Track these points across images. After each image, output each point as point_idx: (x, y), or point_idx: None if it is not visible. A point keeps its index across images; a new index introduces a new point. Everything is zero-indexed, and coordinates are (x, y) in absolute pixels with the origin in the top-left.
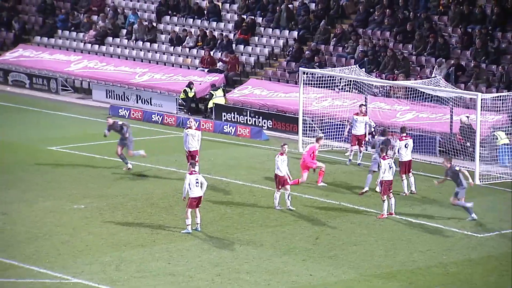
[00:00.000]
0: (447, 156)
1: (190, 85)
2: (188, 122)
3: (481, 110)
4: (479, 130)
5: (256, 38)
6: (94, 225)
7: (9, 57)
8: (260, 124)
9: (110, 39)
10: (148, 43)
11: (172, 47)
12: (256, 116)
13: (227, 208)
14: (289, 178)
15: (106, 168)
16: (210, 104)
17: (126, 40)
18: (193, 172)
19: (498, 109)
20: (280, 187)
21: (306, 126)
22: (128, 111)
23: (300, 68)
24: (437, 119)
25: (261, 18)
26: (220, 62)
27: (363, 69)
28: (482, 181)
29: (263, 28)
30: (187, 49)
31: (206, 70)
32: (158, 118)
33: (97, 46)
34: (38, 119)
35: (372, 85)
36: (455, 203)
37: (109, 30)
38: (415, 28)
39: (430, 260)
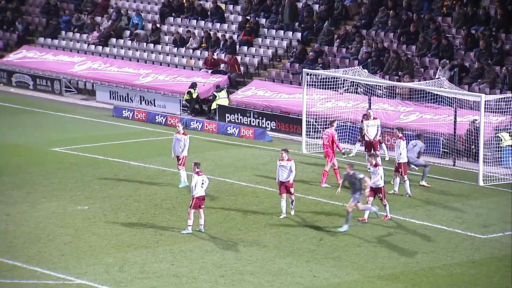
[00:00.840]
0: (350, 162)
1: (193, 86)
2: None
3: (484, 111)
4: (483, 131)
5: (260, 39)
6: (98, 226)
7: (12, 58)
8: (264, 126)
9: (113, 40)
10: (152, 45)
11: (176, 48)
12: (260, 117)
13: (231, 209)
14: (290, 186)
15: (110, 170)
16: (214, 106)
17: (130, 42)
18: (200, 173)
19: (502, 110)
20: (281, 193)
21: (310, 127)
22: (132, 112)
23: (303, 69)
24: (441, 120)
25: (264, 19)
26: (222, 64)
27: (367, 70)
28: (486, 183)
29: (266, 29)
30: (191, 51)
31: (209, 71)
32: (162, 119)
33: (101, 47)
34: (41, 120)
35: (376, 86)
36: (361, 207)
37: (112, 32)
38: (419, 29)
39: (434, 261)
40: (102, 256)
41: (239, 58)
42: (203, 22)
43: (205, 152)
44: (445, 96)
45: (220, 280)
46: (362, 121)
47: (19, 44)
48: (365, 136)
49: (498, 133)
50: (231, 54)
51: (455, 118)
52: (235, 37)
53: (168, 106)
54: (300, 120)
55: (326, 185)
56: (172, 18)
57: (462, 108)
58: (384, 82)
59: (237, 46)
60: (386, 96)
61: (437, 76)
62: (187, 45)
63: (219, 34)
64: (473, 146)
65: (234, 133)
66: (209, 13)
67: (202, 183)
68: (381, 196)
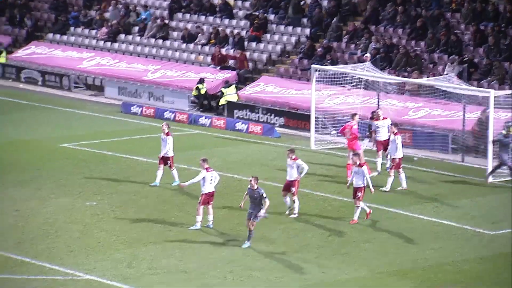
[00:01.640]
0: (255, 176)
1: (201, 81)
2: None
3: (494, 107)
4: (492, 127)
5: (268, 35)
6: (106, 222)
7: (21, 54)
8: (272, 122)
9: (122, 36)
10: (160, 40)
11: (184, 44)
12: (268, 113)
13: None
14: (293, 186)
15: (118, 166)
16: (222, 101)
17: (139, 37)
18: (209, 169)
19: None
20: (283, 190)
21: (319, 124)
22: (141, 108)
23: (312, 65)
24: (449, 117)
25: (273, 15)
26: (230, 59)
27: (375, 67)
28: (495, 179)
29: (275, 25)
30: (199, 46)
31: (218, 67)
32: (170, 115)
33: (110, 43)
34: (50, 116)
35: (385, 82)
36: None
37: (121, 28)
38: (428, 25)
39: (442, 258)
40: (110, 252)
41: (247, 54)
42: (212, 18)
43: (214, 148)
44: (454, 92)
45: (229, 276)
46: (370, 118)
47: (28, 40)
48: (376, 137)
49: (506, 127)
50: (240, 50)
51: (464, 114)
52: (243, 33)
53: (177, 102)
54: (309, 116)
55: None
56: (181, 14)
57: (471, 104)
58: (393, 79)
59: (246, 42)
60: (395, 92)
61: (446, 72)
62: (195, 41)
63: (228, 30)
64: (484, 138)
65: (242, 129)
66: (217, 9)
67: (211, 180)
68: (359, 195)
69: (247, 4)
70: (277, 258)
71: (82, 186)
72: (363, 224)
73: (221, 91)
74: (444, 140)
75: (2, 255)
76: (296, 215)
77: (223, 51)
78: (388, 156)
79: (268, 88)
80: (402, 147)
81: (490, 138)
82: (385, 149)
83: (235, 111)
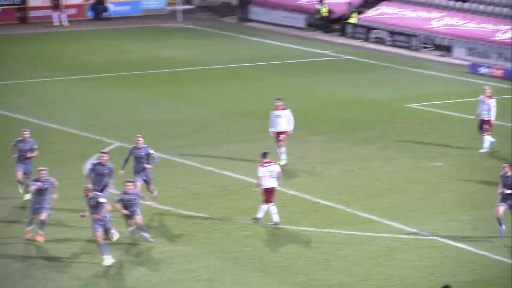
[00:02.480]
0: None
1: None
2: None
3: None
4: None
5: None
6: (451, 183)
7: (371, 14)
8: None
9: None
10: None
11: None
12: None
13: None
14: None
15: (464, 127)
16: None
17: None
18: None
19: None
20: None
21: None
22: (489, 69)
23: None
24: None
25: None
26: None
27: None
28: None
29: None
30: None
31: None
32: None
33: (460, 2)
34: (396, 76)
35: None
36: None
37: None
38: None
39: None
40: (456, 214)
41: None
42: None
43: None
44: None
45: None
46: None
47: (378, 0)
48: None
49: None
50: None
51: None
52: None
53: None
54: None
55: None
56: None
57: None
58: None
59: None
60: None
61: None
62: None
63: None
64: None
65: None
66: None
67: None
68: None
69: None
70: None
71: (428, 146)
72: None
73: None
74: None
75: (349, 212)
76: None
77: None
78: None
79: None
80: None
81: None
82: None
83: None
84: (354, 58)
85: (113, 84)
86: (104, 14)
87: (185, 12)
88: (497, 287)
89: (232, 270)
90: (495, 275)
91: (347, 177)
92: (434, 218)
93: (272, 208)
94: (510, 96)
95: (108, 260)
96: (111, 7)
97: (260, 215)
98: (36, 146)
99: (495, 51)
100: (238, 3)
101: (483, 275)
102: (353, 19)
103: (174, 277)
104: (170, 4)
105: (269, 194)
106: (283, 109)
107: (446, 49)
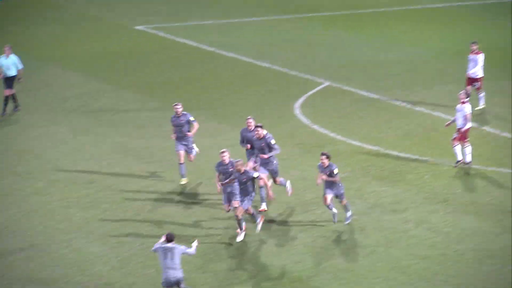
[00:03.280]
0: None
1: None
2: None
3: None
4: None
5: None
6: None
7: None
8: None
9: None
10: None
11: None
12: None
13: None
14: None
15: None
16: None
17: None
18: None
19: None
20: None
21: None
22: None
23: None
24: None
25: None
26: None
27: None
28: None
29: None
30: None
31: None
32: None
33: None
34: None
35: None
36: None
37: None
38: None
39: None
40: None
41: None
42: None
43: None
44: None
45: None
46: None
47: None
48: None
49: None
50: None
51: None
52: None
53: None
54: None
55: None
56: None
57: None
58: None
59: None
60: None
61: None
62: None
63: None
64: None
65: None
66: None
67: None
68: None
69: None
70: None
71: None
72: None
73: None
74: None
75: None
76: None
77: None
78: None
79: None
80: None
81: None
82: None
83: None
84: None
85: (322, 24)
86: None
87: None
88: None
89: (442, 212)
90: None
91: None
92: None
93: (467, 148)
94: None
95: (241, 236)
96: None
97: (465, 157)
98: (192, 118)
99: None
100: None
101: None
102: None
103: (383, 218)
104: None
105: (465, 134)
106: (476, 53)
107: None
